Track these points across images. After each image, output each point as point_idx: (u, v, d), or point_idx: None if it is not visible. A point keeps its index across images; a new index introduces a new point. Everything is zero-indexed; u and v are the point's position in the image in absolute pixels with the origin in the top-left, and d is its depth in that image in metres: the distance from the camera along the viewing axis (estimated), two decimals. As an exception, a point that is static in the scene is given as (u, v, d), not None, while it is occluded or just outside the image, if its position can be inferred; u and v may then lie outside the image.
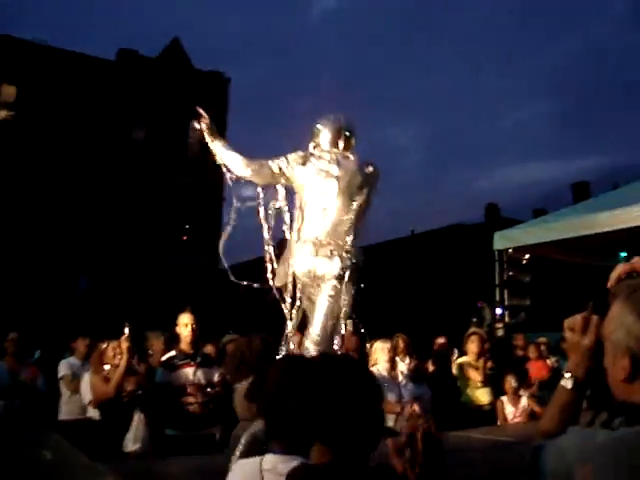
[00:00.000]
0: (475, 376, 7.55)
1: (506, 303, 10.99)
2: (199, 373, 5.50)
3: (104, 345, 5.86)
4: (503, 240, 10.94)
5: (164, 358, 5.81)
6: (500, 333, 10.49)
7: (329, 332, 4.55)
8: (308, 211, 4.80)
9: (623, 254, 10.70)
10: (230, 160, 5.15)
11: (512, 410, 7.25)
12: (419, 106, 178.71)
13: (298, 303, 4.76)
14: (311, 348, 4.44)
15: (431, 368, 8.07)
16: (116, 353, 5.66)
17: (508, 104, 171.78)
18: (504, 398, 7.35)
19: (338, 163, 4.80)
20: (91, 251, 29.02)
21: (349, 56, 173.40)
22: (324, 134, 5.00)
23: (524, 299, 11.28)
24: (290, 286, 4.81)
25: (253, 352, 4.82)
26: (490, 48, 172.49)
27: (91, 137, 30.42)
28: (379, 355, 6.38)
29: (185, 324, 5.70)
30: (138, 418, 5.55)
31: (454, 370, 7.92)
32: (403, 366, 7.09)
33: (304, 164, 4.88)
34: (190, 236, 32.25)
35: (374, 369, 6.09)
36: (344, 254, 4.67)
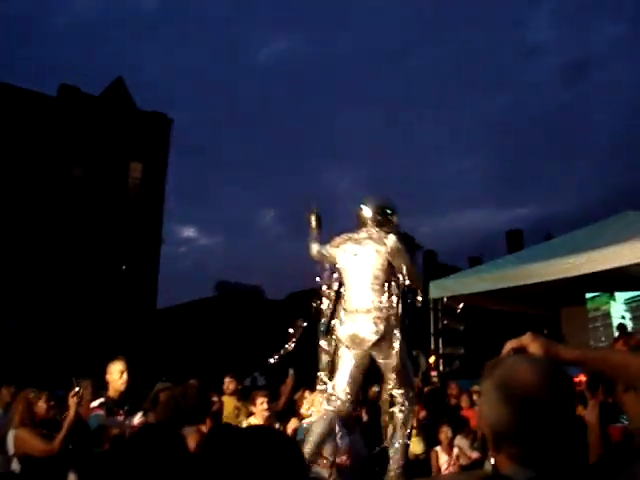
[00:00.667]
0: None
1: (440, 351, 11.11)
2: (127, 422, 5.33)
3: (31, 395, 5.50)
4: (438, 289, 11.11)
5: (95, 404, 5.58)
6: (434, 381, 10.56)
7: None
8: (347, 286, 5.57)
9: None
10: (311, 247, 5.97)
11: (446, 459, 7.26)
12: (359, 153, 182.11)
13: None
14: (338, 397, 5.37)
15: (365, 417, 8.02)
16: (49, 406, 5.42)
17: (446, 153, 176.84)
18: (438, 448, 7.35)
19: (368, 241, 5.51)
20: (22, 290, 28.13)
21: (295, 100, 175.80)
22: (365, 212, 5.78)
23: (458, 347, 11.42)
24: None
25: (188, 402, 4.75)
26: (429, 98, 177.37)
27: (28, 173, 29.74)
28: (313, 406, 6.26)
29: (119, 371, 5.46)
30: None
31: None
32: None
33: (339, 246, 5.69)
34: (127, 277, 31.66)
35: (307, 420, 5.97)
36: (378, 320, 5.30)
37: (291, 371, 8.45)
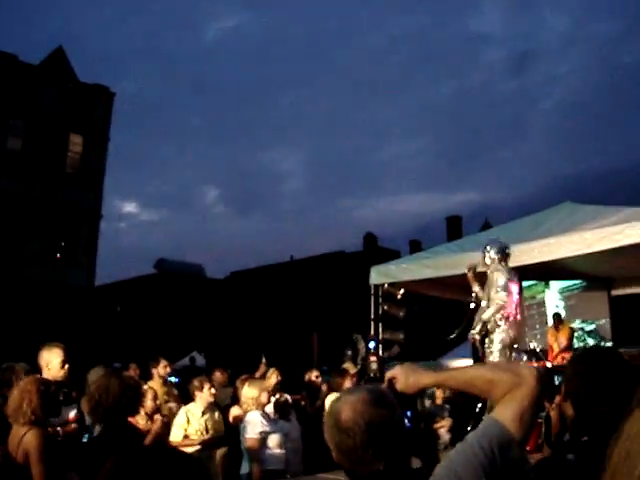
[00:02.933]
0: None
1: (380, 336, 11.19)
2: (61, 416, 5.07)
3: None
4: (379, 275, 11.17)
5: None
6: (374, 366, 10.62)
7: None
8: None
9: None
10: None
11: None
12: (303, 132, 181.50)
13: None
14: None
15: (302, 403, 8.01)
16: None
17: (391, 137, 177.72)
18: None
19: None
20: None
21: (240, 76, 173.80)
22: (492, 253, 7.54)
23: (398, 333, 11.52)
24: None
25: (110, 396, 4.63)
26: (377, 81, 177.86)
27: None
28: (250, 399, 6.01)
29: (60, 362, 5.02)
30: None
31: (326, 408, 7.80)
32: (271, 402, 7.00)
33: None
34: (65, 254, 30.91)
35: (251, 413, 5.80)
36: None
37: (263, 359, 8.40)
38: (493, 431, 1.56)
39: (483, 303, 7.66)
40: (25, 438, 3.83)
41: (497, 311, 7.38)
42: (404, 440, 1.73)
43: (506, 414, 1.58)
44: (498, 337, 7.43)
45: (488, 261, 7.62)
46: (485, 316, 7.44)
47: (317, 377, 8.67)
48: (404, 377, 1.75)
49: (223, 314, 39.74)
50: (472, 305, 7.97)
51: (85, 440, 4.95)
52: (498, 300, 7.33)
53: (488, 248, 7.66)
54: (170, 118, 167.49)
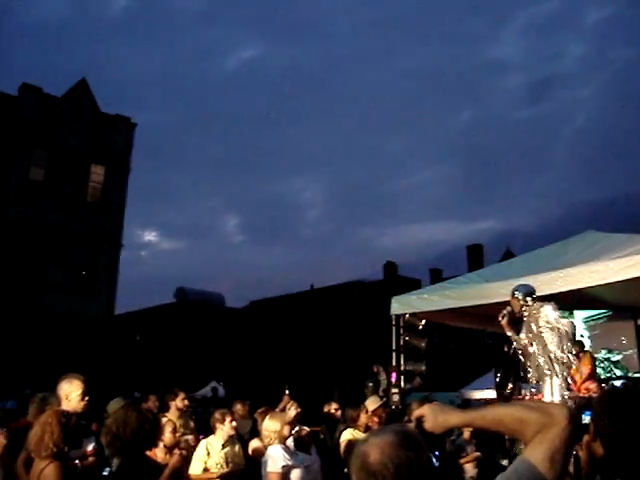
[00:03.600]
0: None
1: (402, 367, 11.08)
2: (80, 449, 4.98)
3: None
4: (400, 305, 11.09)
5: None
6: (395, 398, 10.51)
7: None
8: None
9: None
10: None
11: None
12: (322, 162, 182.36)
13: None
14: None
15: (322, 436, 7.88)
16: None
17: (409, 165, 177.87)
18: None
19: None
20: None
21: (258, 106, 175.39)
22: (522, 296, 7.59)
23: (420, 364, 11.39)
24: None
25: (128, 429, 4.58)
26: (395, 110, 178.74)
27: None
28: (273, 433, 5.87)
29: (80, 394, 4.93)
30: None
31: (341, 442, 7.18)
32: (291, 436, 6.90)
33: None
34: (85, 283, 31.07)
35: (272, 447, 5.68)
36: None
37: (287, 390, 8.31)
38: (524, 472, 1.54)
39: (531, 349, 7.52)
40: (45, 472, 3.77)
41: (568, 337, 7.39)
42: None
43: (537, 455, 1.55)
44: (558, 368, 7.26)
45: (522, 303, 7.57)
46: (552, 347, 7.26)
47: (336, 410, 8.52)
48: (432, 416, 1.75)
49: (243, 343, 39.64)
50: (511, 350, 8.30)
51: (105, 473, 4.88)
52: (564, 327, 7.34)
53: (517, 293, 7.63)
54: (190, 148, 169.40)
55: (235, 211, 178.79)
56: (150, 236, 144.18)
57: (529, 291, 7.65)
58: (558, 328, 7.32)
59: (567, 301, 9.26)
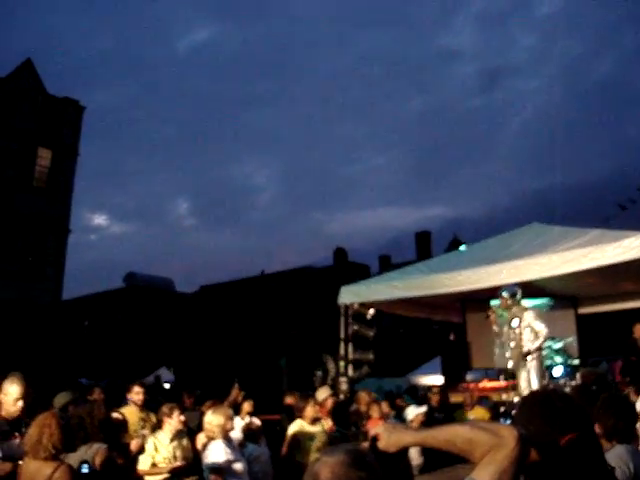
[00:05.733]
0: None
1: (350, 357, 11.18)
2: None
3: None
4: (349, 295, 11.17)
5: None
6: (344, 387, 10.62)
7: None
8: None
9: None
10: None
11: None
12: (275, 147, 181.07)
13: None
14: None
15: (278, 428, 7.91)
16: None
17: (361, 151, 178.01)
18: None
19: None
20: None
21: (212, 88, 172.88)
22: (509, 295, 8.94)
23: (368, 353, 11.52)
24: None
25: (95, 419, 4.56)
26: (348, 96, 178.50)
27: None
28: (216, 427, 5.85)
29: (14, 399, 4.84)
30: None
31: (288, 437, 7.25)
32: (239, 426, 6.94)
33: None
34: (31, 269, 30.41)
35: (214, 442, 5.67)
36: None
37: (236, 384, 8.27)
38: None
39: (512, 343, 9.13)
40: (55, 476, 3.75)
41: (545, 340, 9.09)
42: None
43: (484, 475, 1.58)
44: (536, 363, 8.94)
45: (509, 303, 9.05)
46: (534, 346, 8.89)
47: (292, 402, 8.58)
48: (386, 435, 1.76)
49: (192, 329, 39.42)
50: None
51: (85, 471, 4.75)
52: (544, 331, 8.90)
53: (504, 293, 9.00)
54: (141, 130, 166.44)
55: (186, 194, 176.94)
56: (100, 220, 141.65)
57: (514, 292, 8.96)
58: (537, 331, 8.90)
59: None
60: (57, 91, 33.51)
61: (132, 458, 5.58)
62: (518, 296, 9.03)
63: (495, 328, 9.46)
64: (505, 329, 9.27)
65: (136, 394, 7.07)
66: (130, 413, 6.56)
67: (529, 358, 8.88)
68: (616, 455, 3.45)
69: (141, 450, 5.76)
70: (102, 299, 42.84)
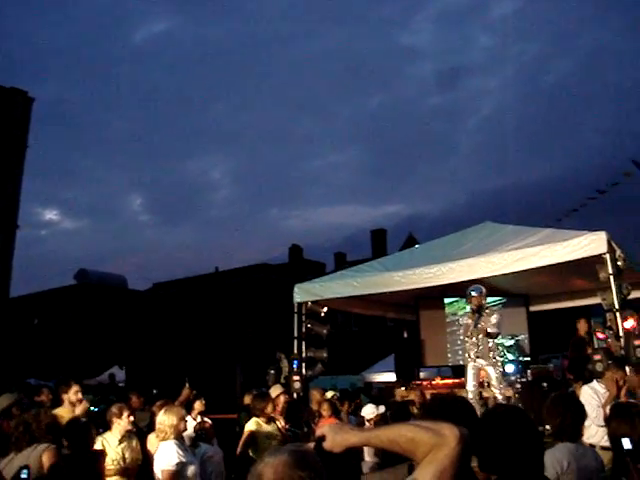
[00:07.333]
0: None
1: (304, 355, 11.17)
2: None
3: None
4: (303, 293, 11.16)
5: None
6: (297, 386, 10.59)
7: None
8: None
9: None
10: None
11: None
12: (230, 142, 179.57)
13: None
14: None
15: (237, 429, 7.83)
16: None
17: (319, 148, 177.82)
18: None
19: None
20: None
21: (167, 83, 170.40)
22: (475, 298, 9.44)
23: (321, 351, 11.52)
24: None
25: (42, 423, 4.45)
26: (305, 93, 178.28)
27: None
28: (168, 427, 5.75)
29: None
30: None
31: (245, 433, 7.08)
32: (191, 425, 6.85)
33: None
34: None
35: (165, 443, 5.56)
36: None
37: (187, 383, 8.13)
38: None
39: (476, 338, 9.49)
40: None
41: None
42: None
43: (426, 475, 1.57)
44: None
45: (483, 301, 9.61)
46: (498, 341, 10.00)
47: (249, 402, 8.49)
48: (332, 436, 1.75)
49: (145, 327, 38.94)
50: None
51: (24, 476, 4.63)
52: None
53: (474, 293, 9.44)
54: (94, 124, 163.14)
55: (140, 190, 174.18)
56: (51, 215, 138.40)
57: (481, 290, 9.49)
58: (498, 333, 9.62)
59: (465, 288, 9.62)
60: (5, 82, 32.70)
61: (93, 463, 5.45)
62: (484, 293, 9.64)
63: (469, 321, 9.64)
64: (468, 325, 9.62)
65: (74, 393, 6.78)
66: (66, 414, 6.34)
67: (491, 354, 9.39)
68: (552, 452, 3.52)
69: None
70: (52, 296, 41.99)
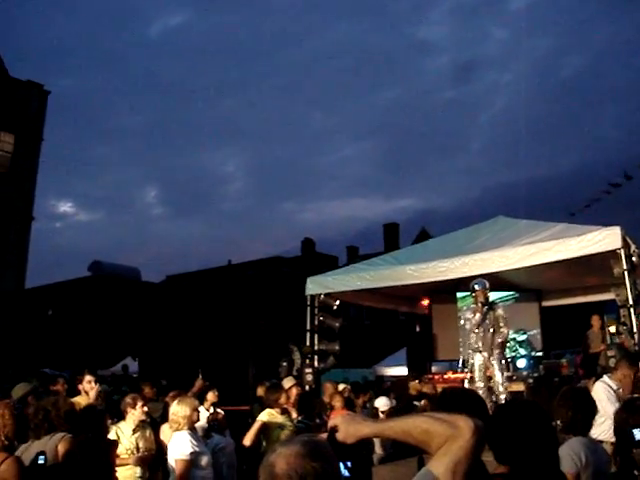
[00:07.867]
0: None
1: (316, 347, 11.20)
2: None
3: None
4: (315, 286, 11.18)
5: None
6: (309, 378, 10.63)
7: None
8: None
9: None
10: None
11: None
12: (245, 135, 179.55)
13: None
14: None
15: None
16: None
17: (333, 142, 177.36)
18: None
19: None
20: None
21: (182, 76, 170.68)
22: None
23: (333, 344, 11.54)
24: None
25: (60, 411, 4.50)
26: (320, 86, 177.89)
27: None
28: (181, 418, 5.80)
29: None
30: None
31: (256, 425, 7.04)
32: (204, 416, 6.88)
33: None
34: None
35: (179, 433, 5.62)
36: None
37: (200, 375, 8.16)
38: None
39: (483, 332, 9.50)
40: (1, 468, 3.58)
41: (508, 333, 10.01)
42: None
43: (439, 466, 1.58)
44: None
45: (488, 294, 9.63)
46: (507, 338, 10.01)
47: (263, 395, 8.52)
48: (344, 427, 1.75)
49: (159, 319, 39.12)
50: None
51: (41, 462, 4.70)
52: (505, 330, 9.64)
53: (477, 287, 9.46)
54: (110, 117, 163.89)
55: (155, 183, 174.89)
56: (65, 207, 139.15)
57: (484, 284, 9.47)
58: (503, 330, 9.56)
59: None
60: (21, 75, 32.85)
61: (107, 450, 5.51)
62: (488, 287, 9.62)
63: (477, 317, 9.55)
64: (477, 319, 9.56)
65: (87, 382, 6.93)
66: (84, 402, 6.43)
67: (497, 351, 9.46)
68: (568, 446, 3.51)
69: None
70: (67, 288, 42.25)
